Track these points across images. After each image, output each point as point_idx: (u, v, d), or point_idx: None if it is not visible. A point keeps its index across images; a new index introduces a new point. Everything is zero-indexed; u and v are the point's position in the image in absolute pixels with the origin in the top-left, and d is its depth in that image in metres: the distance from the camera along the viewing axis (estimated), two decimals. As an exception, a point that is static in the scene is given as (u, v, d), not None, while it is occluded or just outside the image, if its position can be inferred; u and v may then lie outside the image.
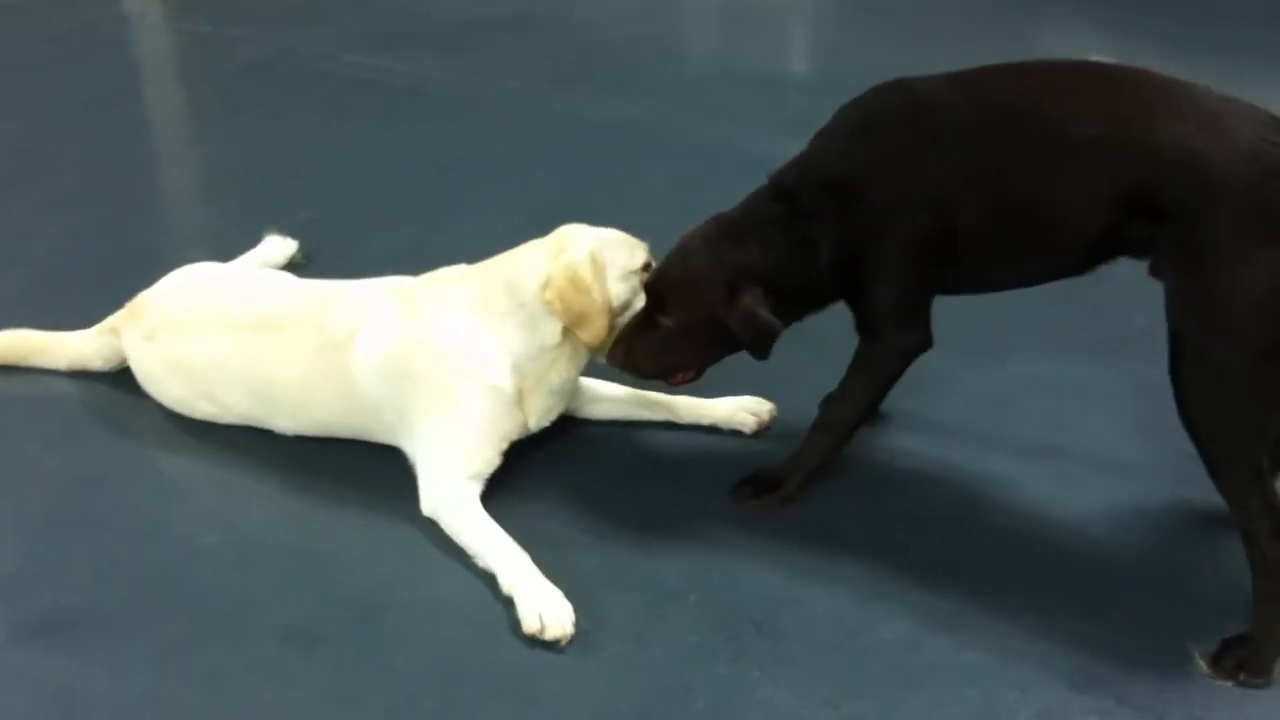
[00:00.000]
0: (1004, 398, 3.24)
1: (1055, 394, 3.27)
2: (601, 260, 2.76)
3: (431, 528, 2.74)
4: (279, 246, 3.66)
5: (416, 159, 4.64)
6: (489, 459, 2.79)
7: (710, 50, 6.32)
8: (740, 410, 3.07)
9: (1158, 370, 3.25)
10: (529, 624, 2.45)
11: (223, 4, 6.39)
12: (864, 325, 2.75)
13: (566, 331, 2.76)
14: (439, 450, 2.77)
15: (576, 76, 5.52)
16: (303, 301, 2.96)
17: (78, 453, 3.00)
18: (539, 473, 2.93)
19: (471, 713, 2.33)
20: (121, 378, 3.20)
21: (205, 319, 2.99)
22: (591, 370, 2.99)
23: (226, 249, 3.63)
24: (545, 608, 2.46)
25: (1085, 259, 2.64)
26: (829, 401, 2.89)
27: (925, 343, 2.73)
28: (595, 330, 2.72)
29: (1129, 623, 2.54)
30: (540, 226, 3.95)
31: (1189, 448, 2.70)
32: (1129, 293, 3.56)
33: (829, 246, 2.64)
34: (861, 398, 2.81)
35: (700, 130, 4.95)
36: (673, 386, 2.90)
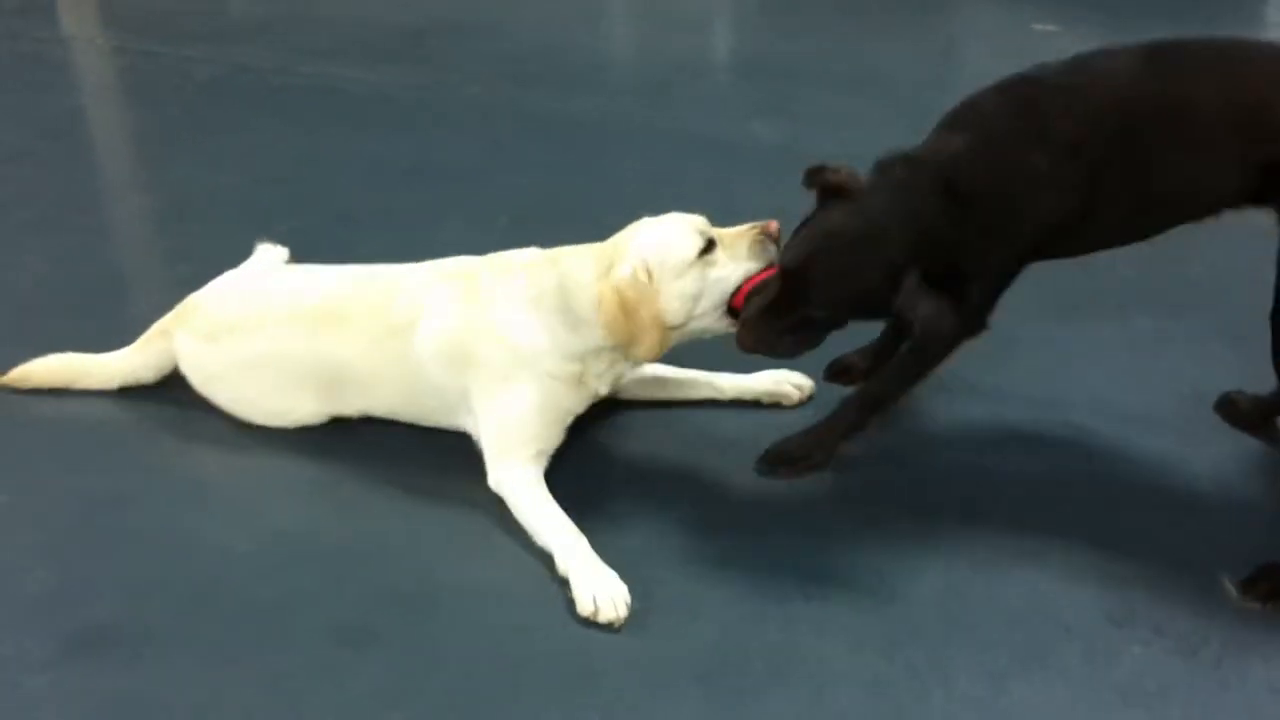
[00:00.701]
0: (1001, 355, 3.29)
1: (1052, 348, 3.37)
2: (648, 271, 2.70)
3: (481, 509, 2.78)
4: (272, 255, 3.64)
5: (389, 165, 4.66)
6: (551, 437, 2.83)
7: (655, 47, 6.39)
8: (783, 382, 3.12)
9: (1151, 320, 3.38)
10: (583, 606, 2.48)
11: (167, 25, 6.38)
12: (955, 293, 2.74)
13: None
14: (502, 430, 2.80)
15: (535, 78, 5.58)
16: (366, 289, 2.99)
17: (102, 471, 2.98)
18: (582, 453, 2.96)
19: (532, 695, 2.35)
20: (137, 394, 3.20)
21: (270, 314, 3.01)
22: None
23: (214, 264, 3.60)
24: (600, 590, 2.49)
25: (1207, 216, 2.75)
26: (874, 377, 2.97)
27: (982, 327, 2.80)
28: (647, 348, 2.73)
29: (1156, 558, 2.63)
30: (526, 223, 4.03)
31: (1188, 391, 2.81)
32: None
33: (967, 231, 2.64)
34: (912, 376, 2.88)
35: (664, 121, 5.03)
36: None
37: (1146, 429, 3.03)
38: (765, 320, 2.67)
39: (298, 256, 3.73)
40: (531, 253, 2.93)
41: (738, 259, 2.75)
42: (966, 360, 3.22)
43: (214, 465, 3.03)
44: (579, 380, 2.84)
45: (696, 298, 2.74)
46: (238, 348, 3.03)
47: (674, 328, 2.75)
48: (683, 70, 5.89)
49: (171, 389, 3.17)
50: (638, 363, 2.90)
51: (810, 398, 3.13)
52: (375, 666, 2.41)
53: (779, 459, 2.91)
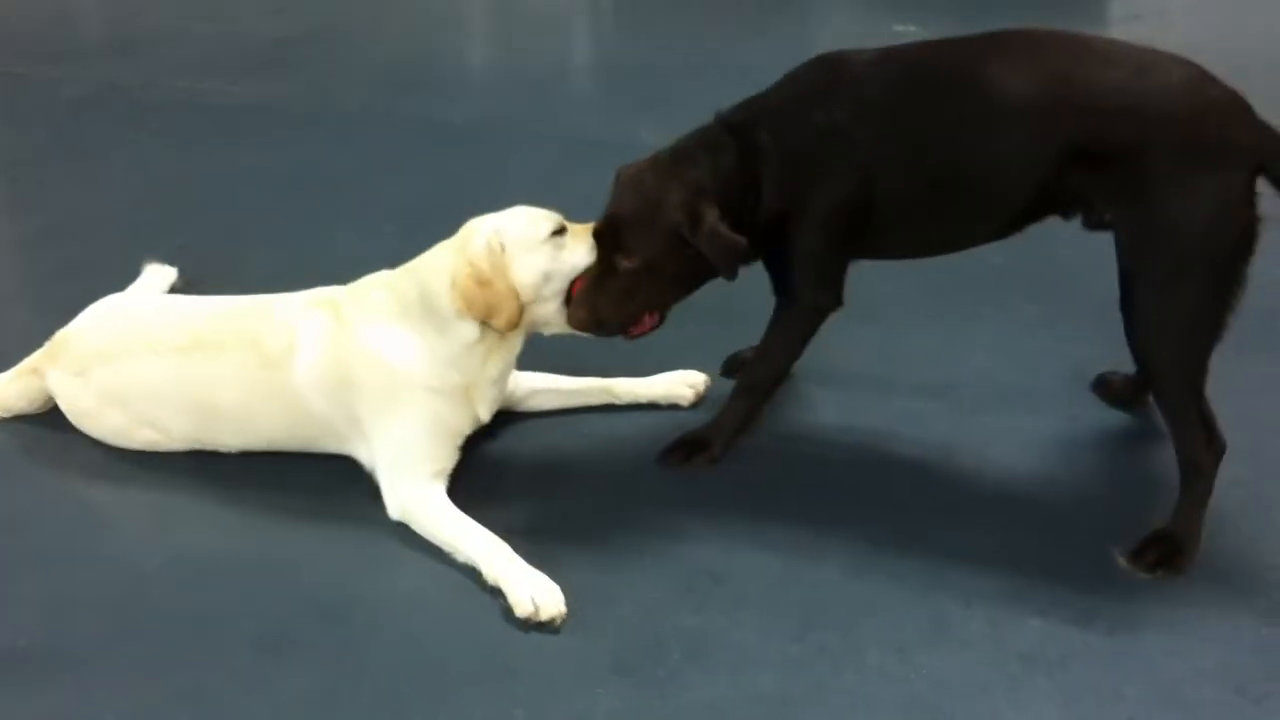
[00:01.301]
0: (889, 344, 3.45)
1: (938, 336, 3.49)
2: (500, 244, 2.77)
3: (382, 525, 2.80)
4: (160, 275, 3.62)
5: (270, 177, 4.64)
6: (447, 456, 2.84)
7: (521, 50, 6.42)
8: (678, 384, 3.19)
9: (1036, 306, 3.52)
10: (522, 608, 2.51)
11: (25, 44, 6.24)
12: (781, 287, 2.89)
13: (484, 325, 2.80)
14: (397, 455, 2.81)
15: (409, 85, 5.59)
16: (234, 321, 2.95)
17: (3, 495, 2.95)
18: (480, 461, 2.98)
19: (455, 694, 2.39)
20: (40, 418, 3.17)
21: (136, 346, 2.97)
22: (527, 363, 3.07)
23: (95, 285, 3.54)
24: (536, 591, 2.53)
25: (1014, 220, 2.79)
26: (747, 364, 3.05)
27: (838, 303, 2.89)
28: (507, 318, 2.75)
29: (1047, 533, 2.76)
30: (413, 231, 4.00)
31: (1069, 372, 2.93)
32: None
33: (769, 193, 2.75)
34: (781, 357, 2.96)
35: (546, 124, 5.08)
36: (633, 339, 2.88)
37: (1033, 409, 3.16)
38: (590, 290, 2.77)
39: (185, 275, 3.72)
40: (383, 274, 2.95)
41: (587, 248, 2.81)
42: (856, 351, 3.37)
43: (108, 486, 3.01)
44: (463, 394, 2.85)
45: (547, 276, 2.79)
46: (107, 378, 2.99)
47: (526, 303, 2.79)
48: (555, 73, 5.97)
49: (55, 413, 3.15)
50: (520, 338, 2.89)
51: (704, 397, 3.20)
52: (300, 675, 2.44)
53: (678, 452, 2.99)
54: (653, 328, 2.87)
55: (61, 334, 3.11)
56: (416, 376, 2.80)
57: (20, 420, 3.18)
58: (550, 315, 2.84)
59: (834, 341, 3.28)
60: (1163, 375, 2.65)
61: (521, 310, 2.78)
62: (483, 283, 2.73)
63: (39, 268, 4.03)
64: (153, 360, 2.94)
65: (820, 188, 2.74)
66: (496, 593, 2.58)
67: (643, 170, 2.79)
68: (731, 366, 3.29)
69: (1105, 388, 3.18)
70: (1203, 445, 2.62)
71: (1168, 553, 2.63)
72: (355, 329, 2.84)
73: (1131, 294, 2.61)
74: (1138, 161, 2.52)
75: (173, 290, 3.63)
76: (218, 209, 4.39)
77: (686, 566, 2.68)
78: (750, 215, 2.76)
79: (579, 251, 2.80)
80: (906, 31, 6.17)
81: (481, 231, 2.81)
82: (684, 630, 2.51)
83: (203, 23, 6.53)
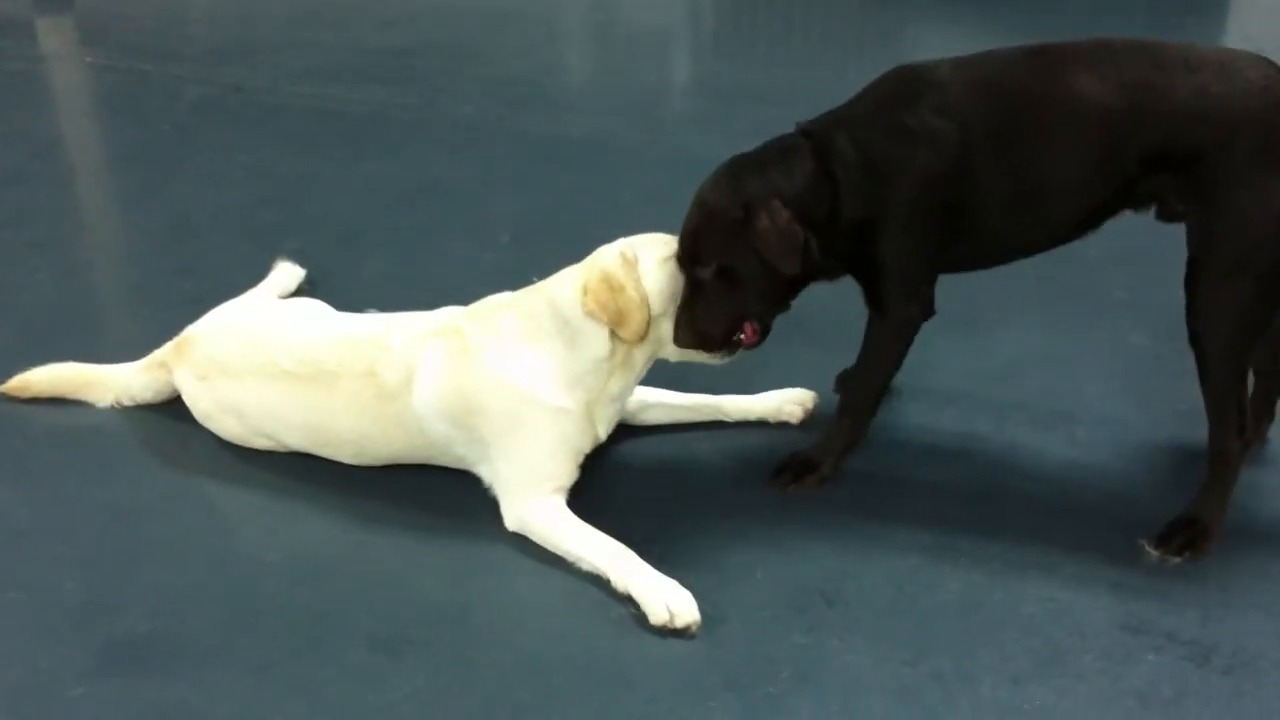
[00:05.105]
0: (1003, 372, 3.41)
1: (1052, 365, 3.46)
2: (632, 256, 2.81)
3: (497, 531, 2.82)
4: (290, 274, 3.69)
5: (387, 185, 4.71)
6: (568, 474, 2.86)
7: (629, 69, 6.47)
8: (788, 401, 3.20)
9: (1144, 338, 3.48)
10: (657, 616, 2.52)
11: (152, 45, 6.41)
12: (872, 300, 2.87)
13: (614, 338, 2.82)
14: (520, 474, 2.82)
15: (525, 99, 5.66)
16: (351, 349, 2.95)
17: (127, 484, 3.02)
18: (593, 477, 2.98)
19: (567, 699, 2.40)
20: (164, 407, 3.24)
21: (255, 367, 3.00)
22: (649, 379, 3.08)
23: (219, 281, 3.65)
24: (670, 598, 2.54)
25: (1093, 220, 2.82)
26: (848, 382, 3.04)
27: (929, 312, 2.88)
28: (635, 325, 2.78)
29: (1164, 567, 2.71)
30: (526, 244, 4.09)
31: (1183, 405, 2.88)
32: (1102, 270, 3.83)
33: (849, 199, 2.74)
34: (878, 372, 2.95)
35: (657, 142, 5.12)
36: (739, 352, 2.90)
37: (1148, 442, 3.13)
38: (683, 309, 2.81)
39: (306, 276, 3.79)
40: (505, 296, 2.97)
41: None
42: (972, 377, 3.34)
43: (226, 482, 3.05)
44: (587, 413, 2.87)
45: (672, 296, 2.82)
46: (226, 390, 3.04)
47: (654, 316, 2.81)
48: (659, 92, 6.01)
49: (176, 405, 3.22)
50: (645, 358, 2.90)
51: (813, 415, 3.20)
52: (412, 675, 2.46)
53: (786, 474, 2.98)
54: (756, 340, 2.87)
55: (189, 332, 3.18)
56: (546, 398, 2.82)
57: (143, 410, 3.25)
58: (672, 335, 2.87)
59: (940, 364, 3.29)
60: (1212, 360, 2.68)
61: (649, 322, 2.80)
62: (615, 288, 2.77)
63: (163, 262, 4.11)
64: (270, 383, 2.98)
65: (904, 191, 2.74)
66: (628, 601, 2.59)
67: (709, 179, 2.81)
68: (842, 384, 3.27)
69: None
70: (1235, 433, 2.69)
71: (1194, 537, 2.72)
72: (482, 354, 2.85)
73: (1194, 281, 2.66)
74: (1215, 160, 2.59)
75: (299, 290, 3.70)
76: (335, 213, 4.47)
77: (797, 586, 2.67)
78: (830, 223, 2.76)
79: None
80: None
81: (614, 247, 2.86)
82: (795, 650, 2.50)
83: (324, 31, 6.67)
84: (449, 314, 2.99)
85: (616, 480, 2.97)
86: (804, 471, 2.98)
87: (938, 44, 6.92)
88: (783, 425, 3.21)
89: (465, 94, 5.65)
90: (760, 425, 3.22)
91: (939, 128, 2.71)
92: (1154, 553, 2.72)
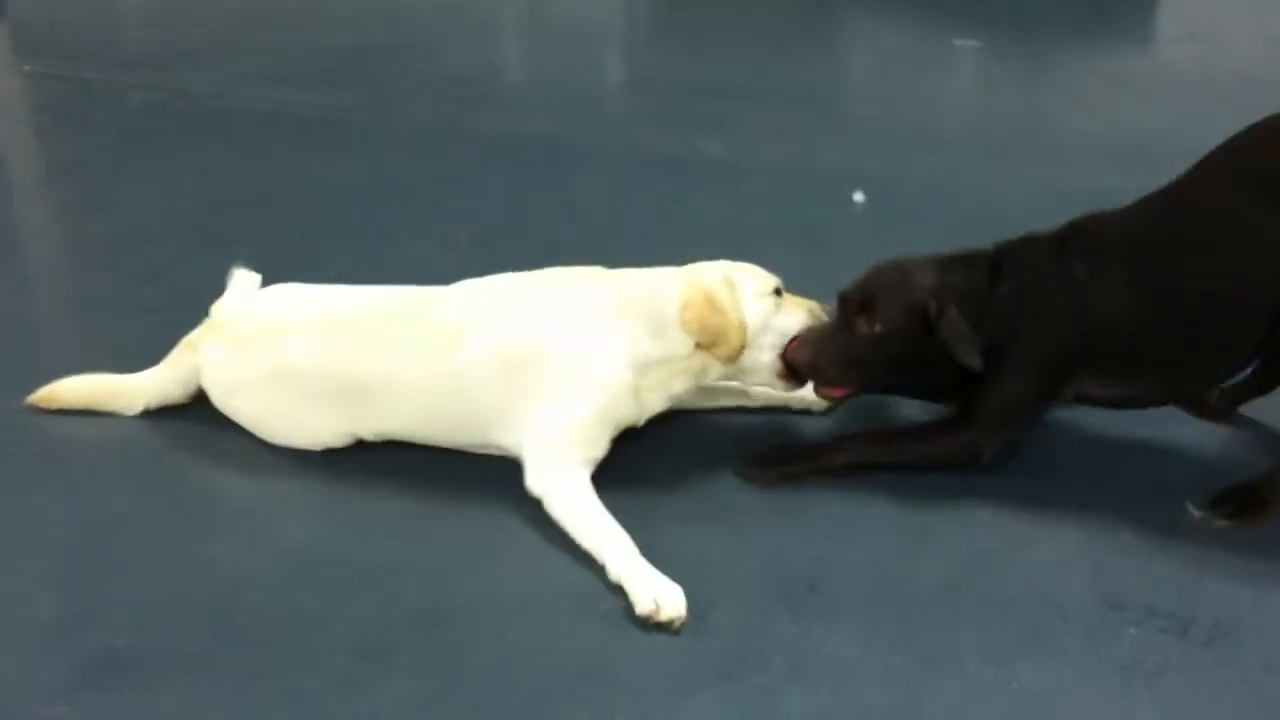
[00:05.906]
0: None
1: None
2: (734, 282, 2.92)
3: (483, 529, 2.82)
4: (248, 281, 3.64)
5: (343, 187, 4.68)
6: (602, 445, 2.87)
7: (569, 64, 6.48)
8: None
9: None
10: (643, 607, 2.52)
11: (93, 52, 6.33)
12: (965, 410, 2.95)
13: (699, 346, 2.87)
14: (554, 434, 2.82)
15: (475, 99, 5.65)
16: (409, 298, 3.03)
17: (100, 496, 2.97)
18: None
19: (557, 700, 2.39)
20: (139, 420, 3.20)
21: (308, 320, 3.01)
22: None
23: (182, 289, 3.60)
24: (659, 591, 2.54)
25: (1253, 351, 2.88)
26: (872, 436, 3.08)
27: (994, 458, 2.94)
28: (733, 347, 2.87)
29: (1140, 542, 2.77)
30: (487, 244, 4.08)
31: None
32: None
33: (990, 311, 2.88)
34: (907, 458, 2.99)
35: (610, 139, 5.12)
36: (824, 397, 3.10)
37: (1124, 416, 3.15)
38: (821, 339, 2.93)
39: (266, 281, 3.73)
40: (596, 269, 3.01)
41: (803, 314, 3.01)
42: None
43: (221, 486, 3.03)
44: (639, 396, 2.89)
45: (765, 328, 2.93)
46: (268, 355, 3.01)
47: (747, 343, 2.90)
48: (609, 88, 6.02)
49: (176, 411, 3.19)
50: (719, 372, 2.97)
51: (840, 403, 3.24)
52: (399, 680, 2.44)
53: (757, 460, 3.00)
54: (845, 396, 3.05)
55: (219, 311, 3.17)
56: (611, 364, 2.85)
57: (123, 420, 3.20)
58: (759, 364, 2.99)
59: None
60: None
61: (744, 347, 2.87)
62: (717, 310, 2.84)
63: (120, 273, 4.05)
64: (322, 333, 2.98)
65: (1037, 327, 2.87)
66: (619, 592, 2.59)
67: (904, 260, 2.98)
68: None
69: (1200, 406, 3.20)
70: None
71: (1248, 504, 2.77)
72: (553, 311, 2.89)
73: None
74: None
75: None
76: (291, 217, 4.43)
77: (781, 575, 2.68)
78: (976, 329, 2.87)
79: (794, 316, 3.00)
80: (966, 46, 6.21)
81: (713, 270, 2.95)
82: (783, 639, 2.51)
83: (269, 33, 6.62)
84: (517, 275, 3.04)
85: (596, 474, 2.96)
86: (772, 463, 3.00)
87: (875, 38, 7.04)
88: (805, 412, 3.27)
89: (415, 94, 5.63)
90: (738, 413, 3.26)
91: (1093, 288, 2.83)
92: (1199, 514, 2.78)
